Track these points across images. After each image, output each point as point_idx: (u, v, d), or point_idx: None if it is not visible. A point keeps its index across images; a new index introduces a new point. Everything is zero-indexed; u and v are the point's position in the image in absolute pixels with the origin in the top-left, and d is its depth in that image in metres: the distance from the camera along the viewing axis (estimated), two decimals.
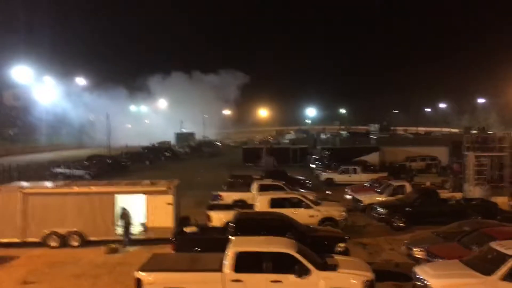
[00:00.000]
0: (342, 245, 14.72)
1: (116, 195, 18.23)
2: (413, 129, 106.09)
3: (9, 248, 17.13)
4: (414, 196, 21.28)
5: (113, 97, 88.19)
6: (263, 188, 22.54)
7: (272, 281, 10.86)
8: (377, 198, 22.86)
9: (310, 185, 29.45)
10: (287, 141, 79.23)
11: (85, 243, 17.74)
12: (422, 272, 11.68)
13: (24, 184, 19.77)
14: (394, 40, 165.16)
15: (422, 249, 14.43)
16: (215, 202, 22.13)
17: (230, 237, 12.97)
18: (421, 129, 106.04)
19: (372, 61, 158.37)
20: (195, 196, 26.14)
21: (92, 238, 17.84)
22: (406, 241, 15.90)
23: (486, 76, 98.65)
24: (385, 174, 31.66)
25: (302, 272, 10.90)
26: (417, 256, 14.53)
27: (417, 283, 11.66)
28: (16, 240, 17.62)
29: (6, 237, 17.59)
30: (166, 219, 17.88)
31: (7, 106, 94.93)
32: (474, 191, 23.88)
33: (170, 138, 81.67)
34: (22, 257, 16.45)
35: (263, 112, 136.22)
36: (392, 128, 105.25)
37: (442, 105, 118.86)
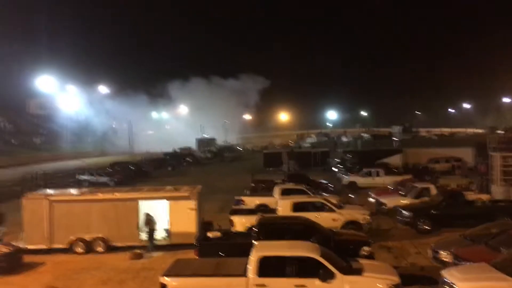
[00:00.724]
0: (366, 248, 14.50)
1: (140, 201, 18.42)
2: (436, 130, 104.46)
3: (36, 254, 17.43)
4: (439, 198, 20.89)
5: (134, 104, 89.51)
6: (285, 192, 22.44)
7: (296, 286, 10.77)
8: (401, 201, 22.50)
9: (333, 189, 29.24)
10: (308, 144, 78.93)
11: (110, 249, 17.96)
12: (450, 276, 11.43)
13: (50, 191, 20.16)
14: (415, 40, 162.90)
15: (449, 252, 14.16)
16: (238, 207, 22.12)
17: (253, 241, 12.93)
18: (445, 130, 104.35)
19: (393, 62, 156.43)
20: (218, 201, 26.25)
21: (117, 244, 18.05)
22: (432, 244, 15.61)
23: (511, 75, 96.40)
24: (409, 176, 31.20)
25: (327, 276, 10.79)
26: (443, 259, 14.26)
27: (445, 286, 11.41)
28: (43, 246, 17.96)
29: (34, 244, 17.92)
30: (189, 225, 17.98)
31: (32, 115, 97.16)
32: (501, 192, 23.34)
33: (191, 143, 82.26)
34: (49, 263, 16.73)
35: (283, 116, 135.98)
36: (414, 129, 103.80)
37: (466, 105, 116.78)
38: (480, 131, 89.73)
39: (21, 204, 18.50)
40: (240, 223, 18.31)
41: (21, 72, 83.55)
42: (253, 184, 29.49)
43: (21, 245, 17.63)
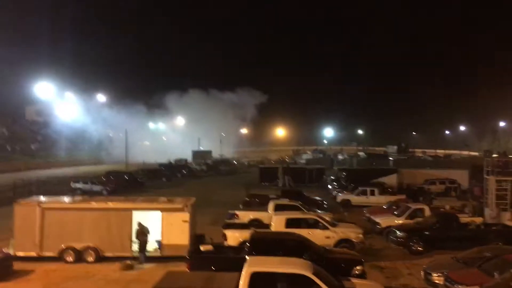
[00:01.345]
0: (359, 268, 14.45)
1: (134, 212, 18.31)
2: (432, 151, 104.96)
3: (26, 261, 17.24)
4: (433, 219, 20.89)
5: (132, 114, 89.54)
6: (279, 208, 22.40)
7: None
8: (395, 221, 22.48)
9: (326, 206, 29.18)
10: (304, 161, 78.99)
11: (101, 258, 17.79)
12: None
13: (43, 198, 20.01)
14: (414, 61, 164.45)
15: (441, 274, 14.11)
16: (231, 221, 22.02)
17: (245, 256, 12.85)
18: (440, 152, 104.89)
19: (390, 82, 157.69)
20: (211, 214, 26.12)
21: (108, 254, 17.89)
22: (424, 266, 15.57)
23: (508, 99, 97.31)
24: (403, 196, 31.21)
25: None
26: (436, 281, 14.24)
27: None
28: (33, 254, 17.77)
29: (24, 251, 17.75)
30: (181, 237, 17.87)
31: (29, 121, 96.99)
32: (494, 216, 23.38)
33: (187, 155, 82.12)
34: (39, 271, 16.55)
35: (280, 132, 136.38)
36: (410, 150, 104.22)
37: (462, 128, 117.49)
38: (475, 153, 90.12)
39: (13, 210, 18.35)
40: (233, 237, 18.20)
41: (20, 79, 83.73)
42: (247, 199, 29.38)
43: (11, 251, 17.45)
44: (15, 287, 14.92)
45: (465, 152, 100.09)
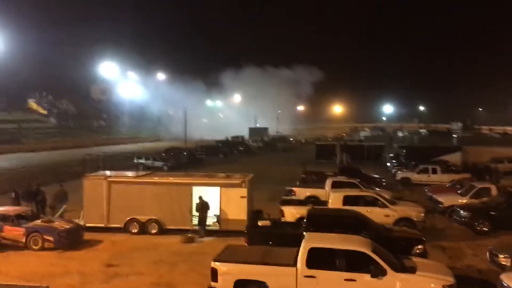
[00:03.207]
0: (419, 247, 14.10)
1: (194, 187, 18.82)
2: (499, 128, 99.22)
3: (95, 232, 18.30)
4: (500, 199, 19.91)
5: (190, 92, 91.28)
6: (336, 185, 22.17)
7: (346, 279, 10.65)
8: (459, 200, 21.63)
9: (385, 184, 28.57)
10: (362, 138, 77.51)
11: (163, 231, 18.53)
12: (509, 281, 10.90)
13: (109, 173, 21.03)
14: (479, 30, 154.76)
15: (508, 256, 13.51)
16: (288, 197, 22.12)
17: (303, 232, 12.90)
18: (509, 129, 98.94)
19: (454, 54, 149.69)
20: (268, 190, 26.33)
21: (170, 227, 18.59)
22: (490, 247, 14.93)
23: None
24: (467, 175, 29.92)
25: (378, 272, 10.57)
26: (502, 263, 13.62)
27: None
28: (101, 225, 18.80)
29: (93, 222, 18.81)
30: (239, 212, 18.21)
31: (94, 99, 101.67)
32: None
33: (244, 132, 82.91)
34: (106, 242, 17.52)
35: (337, 108, 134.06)
36: (476, 126, 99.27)
37: None
38: None
39: (82, 184, 19.44)
40: (290, 213, 18.30)
41: (85, 59, 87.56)
42: (303, 176, 29.35)
43: (81, 222, 18.58)
44: (85, 256, 15.87)
45: None
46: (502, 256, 13.75)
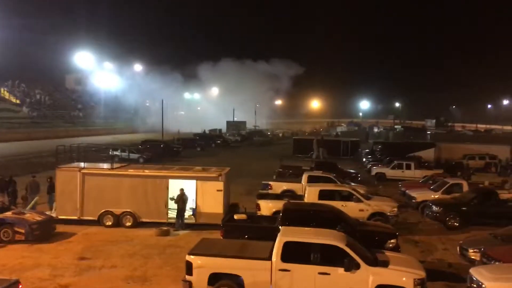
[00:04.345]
0: (393, 241, 14.33)
1: (170, 180, 18.67)
2: (472, 126, 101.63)
3: (68, 224, 17.98)
4: (471, 195, 20.37)
5: (167, 84, 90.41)
6: (312, 180, 22.33)
7: (320, 273, 10.74)
8: (431, 196, 22.07)
9: (360, 179, 28.92)
10: (338, 133, 78.20)
11: (138, 224, 18.35)
12: (478, 275, 11.18)
13: (83, 164, 20.67)
14: (455, 31, 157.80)
15: (478, 250, 13.84)
16: (265, 191, 22.18)
17: (279, 226, 12.95)
18: (481, 126, 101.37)
19: (430, 53, 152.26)
20: (245, 184, 26.39)
21: (145, 220, 18.42)
22: (461, 242, 15.28)
23: None
24: (440, 171, 30.55)
25: (352, 266, 10.70)
26: (472, 257, 13.97)
27: (473, 285, 11.18)
28: (74, 217, 18.49)
29: (66, 214, 18.47)
30: (215, 205, 18.17)
31: (69, 89, 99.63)
32: None
33: (222, 126, 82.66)
34: (79, 234, 17.25)
35: (315, 103, 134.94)
36: (449, 124, 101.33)
37: (505, 102, 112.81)
38: None
39: (55, 175, 19.06)
40: (267, 207, 18.36)
41: (60, 48, 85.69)
42: (280, 169, 29.48)
43: (54, 214, 18.23)
44: (58, 248, 15.59)
45: (508, 127, 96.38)
46: (472, 250, 14.08)
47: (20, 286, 9.34)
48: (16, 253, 14.96)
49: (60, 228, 17.44)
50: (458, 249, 14.99)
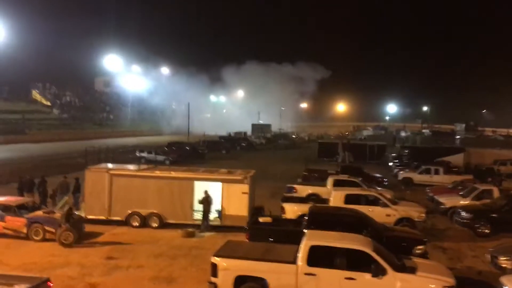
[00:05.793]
0: (420, 247, 14.08)
1: (195, 182, 18.82)
2: (503, 130, 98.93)
3: (96, 224, 18.33)
4: (502, 201, 19.82)
5: (194, 86, 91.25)
6: (338, 183, 22.17)
7: (346, 278, 10.64)
8: (460, 202, 21.58)
9: (387, 184, 28.53)
10: (364, 137, 77.37)
11: (164, 225, 18.55)
12: (509, 283, 10.88)
13: (111, 166, 21.03)
14: (491, 32, 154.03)
15: (509, 258, 13.48)
16: (290, 195, 22.11)
17: (304, 230, 12.89)
18: None
19: (459, 55, 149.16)
20: (269, 187, 26.33)
21: (171, 221, 18.61)
22: (491, 249, 14.89)
23: None
24: (470, 176, 29.86)
25: (378, 272, 10.55)
26: (503, 265, 13.59)
27: None
28: (102, 217, 18.82)
29: (94, 214, 18.83)
30: (240, 208, 18.22)
31: (98, 92, 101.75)
32: None
33: (247, 128, 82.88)
34: (107, 234, 17.55)
35: (341, 107, 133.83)
36: (479, 128, 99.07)
37: None
38: None
39: (84, 176, 19.46)
40: (292, 210, 18.29)
41: (90, 51, 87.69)
42: (305, 173, 29.33)
43: (82, 214, 18.61)
44: (86, 247, 15.90)
45: None
46: (503, 258, 13.72)
47: (50, 284, 9.54)
48: (47, 251, 15.33)
49: (88, 228, 17.77)
50: (488, 256, 14.61)
